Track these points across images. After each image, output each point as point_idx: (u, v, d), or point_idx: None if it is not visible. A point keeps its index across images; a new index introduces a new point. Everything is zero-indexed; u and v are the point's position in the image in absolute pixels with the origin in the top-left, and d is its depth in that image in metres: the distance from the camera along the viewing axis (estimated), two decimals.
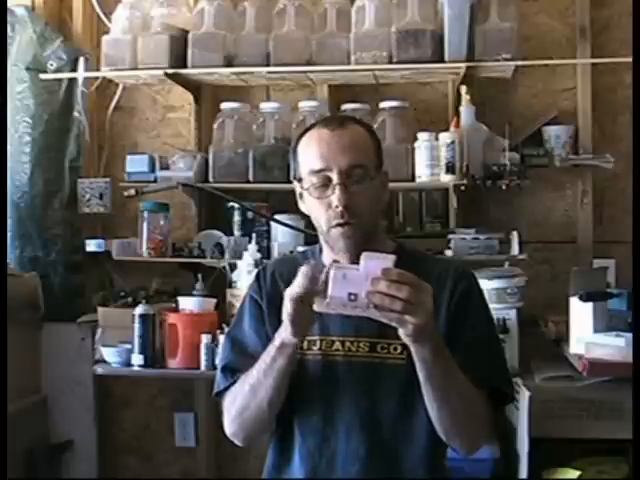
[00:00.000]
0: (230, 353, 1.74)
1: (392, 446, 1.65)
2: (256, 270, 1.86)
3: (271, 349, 1.58)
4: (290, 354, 1.57)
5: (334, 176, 1.61)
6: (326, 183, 1.62)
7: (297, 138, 1.72)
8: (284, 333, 1.54)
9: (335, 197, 1.60)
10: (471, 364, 1.59)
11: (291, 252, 2.84)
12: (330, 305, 1.43)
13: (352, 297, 1.40)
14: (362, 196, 1.62)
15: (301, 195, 1.70)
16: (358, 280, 1.40)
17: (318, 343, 1.66)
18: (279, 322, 1.59)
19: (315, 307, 1.46)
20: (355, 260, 1.53)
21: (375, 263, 1.41)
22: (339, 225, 1.62)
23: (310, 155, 1.64)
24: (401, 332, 1.45)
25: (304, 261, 1.73)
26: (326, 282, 1.42)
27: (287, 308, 1.50)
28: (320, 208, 1.64)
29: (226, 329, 2.68)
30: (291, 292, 1.49)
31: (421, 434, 1.65)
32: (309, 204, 1.68)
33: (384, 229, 1.80)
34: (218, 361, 1.78)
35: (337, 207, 1.60)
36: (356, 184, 1.61)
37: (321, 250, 1.75)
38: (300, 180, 1.68)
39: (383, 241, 1.74)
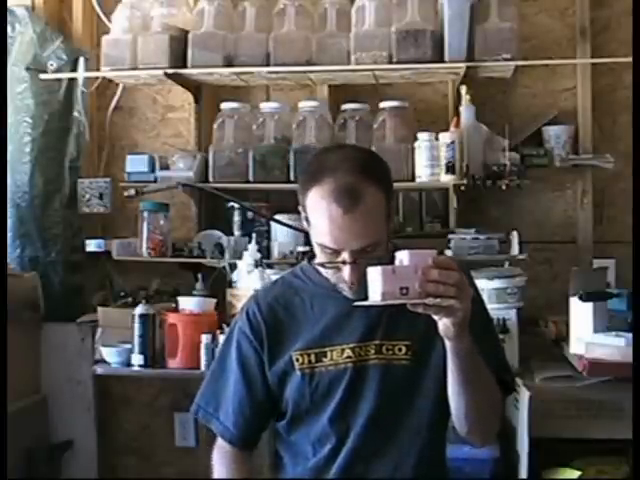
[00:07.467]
0: (222, 414, 1.85)
1: (396, 444, 1.67)
2: (244, 307, 1.80)
3: None
4: None
5: (346, 256, 1.60)
6: (336, 253, 1.61)
7: (306, 176, 1.65)
8: None
9: (346, 273, 1.61)
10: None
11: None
12: (384, 299, 1.45)
13: (404, 291, 1.44)
14: (372, 258, 1.59)
15: (307, 219, 1.66)
16: (407, 274, 1.44)
17: (329, 354, 1.67)
18: (285, 347, 1.66)
19: (369, 301, 1.47)
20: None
21: (421, 256, 1.45)
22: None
23: (321, 230, 1.60)
24: (445, 325, 1.46)
25: (295, 280, 1.77)
26: (368, 281, 1.46)
27: None
28: (329, 264, 1.64)
29: (226, 329, 2.66)
30: None
31: (422, 431, 1.68)
32: (315, 247, 1.66)
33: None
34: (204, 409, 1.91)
35: (347, 278, 1.61)
36: (367, 257, 1.59)
37: (312, 259, 1.74)
38: (305, 209, 1.65)
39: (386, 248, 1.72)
